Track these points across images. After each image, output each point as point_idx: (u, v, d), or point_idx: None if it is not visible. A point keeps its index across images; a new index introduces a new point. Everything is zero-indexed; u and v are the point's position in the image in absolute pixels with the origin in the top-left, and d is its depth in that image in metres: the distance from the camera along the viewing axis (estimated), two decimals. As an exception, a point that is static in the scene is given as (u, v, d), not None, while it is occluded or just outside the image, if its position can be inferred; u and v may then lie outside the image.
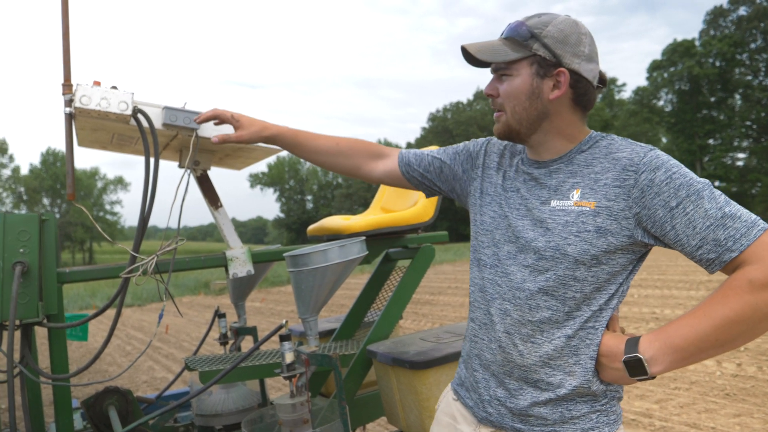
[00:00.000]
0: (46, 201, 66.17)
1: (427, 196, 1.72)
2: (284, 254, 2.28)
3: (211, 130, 2.23)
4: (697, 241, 1.15)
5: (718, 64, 48.58)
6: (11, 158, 65.52)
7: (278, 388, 5.99)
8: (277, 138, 1.77)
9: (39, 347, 3.19)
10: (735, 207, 1.15)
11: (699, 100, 49.27)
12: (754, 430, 4.03)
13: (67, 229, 61.18)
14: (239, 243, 2.49)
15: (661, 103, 52.13)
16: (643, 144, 1.27)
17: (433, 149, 1.71)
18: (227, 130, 2.20)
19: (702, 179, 1.19)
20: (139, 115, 2.07)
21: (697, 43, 49.78)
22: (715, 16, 49.81)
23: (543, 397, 1.30)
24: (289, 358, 2.06)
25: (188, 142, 2.27)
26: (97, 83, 2.02)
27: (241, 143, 1.80)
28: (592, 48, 1.32)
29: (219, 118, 1.80)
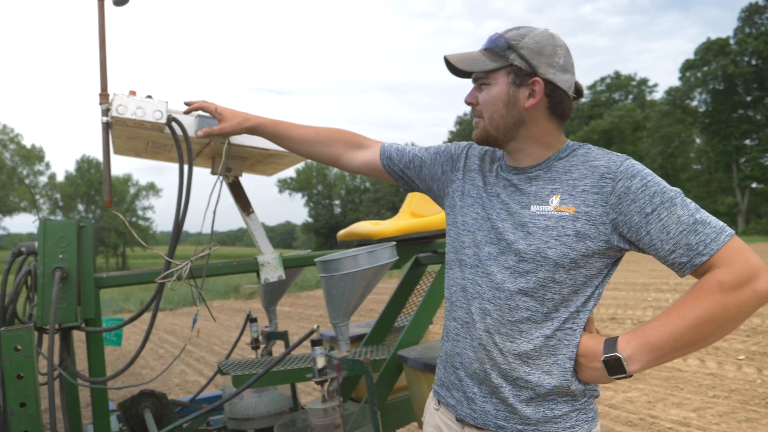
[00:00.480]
0: (81, 207, 67.74)
1: (405, 191, 1.78)
2: (315, 260, 2.29)
3: (243, 138, 2.25)
4: (671, 245, 1.23)
5: (754, 62, 47.35)
6: (47, 165, 67.39)
7: (308, 392, 6.02)
8: (258, 129, 1.87)
9: (75, 350, 3.26)
10: (705, 214, 1.24)
11: (734, 99, 48.00)
12: (796, 439, 3.91)
13: (101, 234, 62.50)
14: (270, 248, 2.51)
15: (694, 103, 50.95)
16: (618, 153, 1.35)
17: (415, 146, 1.75)
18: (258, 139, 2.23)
19: (674, 188, 1.27)
20: (174, 124, 2.10)
21: (731, 41, 48.63)
22: (751, 13, 48.57)
23: (524, 396, 1.34)
24: (320, 362, 2.07)
25: (220, 150, 2.30)
26: (132, 93, 2.06)
27: (224, 135, 1.91)
28: (567, 59, 1.38)
29: (204, 109, 1.92)
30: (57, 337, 2.17)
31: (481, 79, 1.42)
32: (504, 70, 1.38)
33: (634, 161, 1.31)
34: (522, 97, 1.37)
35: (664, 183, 1.27)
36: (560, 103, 1.38)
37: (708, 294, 1.19)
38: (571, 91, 1.39)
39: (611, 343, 1.27)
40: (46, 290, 2.09)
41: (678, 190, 1.27)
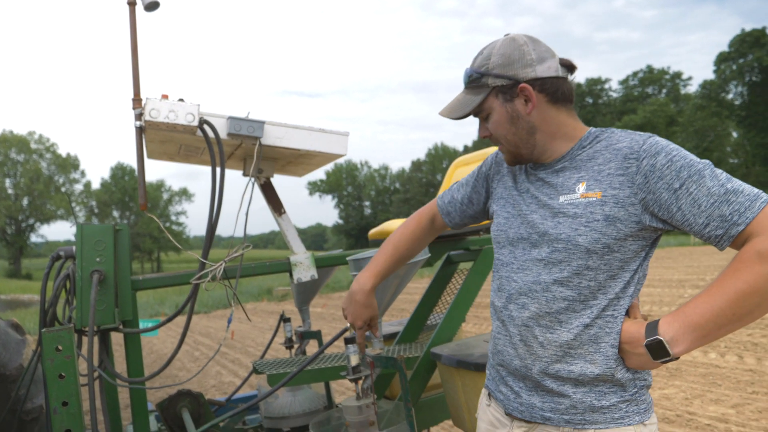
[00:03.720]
0: (115, 213, 69.20)
1: (479, 222, 1.79)
2: (347, 258, 2.30)
3: (273, 138, 2.27)
4: (704, 219, 1.19)
5: (791, 52, 45.91)
6: (83, 173, 69.12)
7: (341, 392, 6.05)
8: (382, 280, 1.80)
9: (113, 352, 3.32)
10: (737, 183, 1.19)
11: (772, 90, 46.65)
12: None
13: (135, 240, 63.65)
14: (303, 248, 2.53)
15: (730, 96, 49.64)
16: (642, 132, 1.33)
17: (454, 182, 1.81)
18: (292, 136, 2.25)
19: (703, 160, 1.23)
20: (205, 126, 2.14)
21: None
22: (787, 1, 47.13)
23: (567, 387, 1.34)
24: (354, 360, 2.07)
25: (252, 151, 2.33)
26: (165, 97, 2.10)
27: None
28: (538, 50, 1.39)
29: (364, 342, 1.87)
30: (96, 338, 2.21)
31: (480, 113, 1.46)
32: (491, 96, 1.41)
33: (658, 138, 1.29)
34: (520, 107, 1.39)
35: (691, 156, 1.24)
36: (557, 90, 1.39)
37: (747, 265, 1.13)
38: (559, 72, 1.39)
39: (653, 326, 1.24)
40: (84, 293, 2.13)
41: (707, 161, 1.23)
